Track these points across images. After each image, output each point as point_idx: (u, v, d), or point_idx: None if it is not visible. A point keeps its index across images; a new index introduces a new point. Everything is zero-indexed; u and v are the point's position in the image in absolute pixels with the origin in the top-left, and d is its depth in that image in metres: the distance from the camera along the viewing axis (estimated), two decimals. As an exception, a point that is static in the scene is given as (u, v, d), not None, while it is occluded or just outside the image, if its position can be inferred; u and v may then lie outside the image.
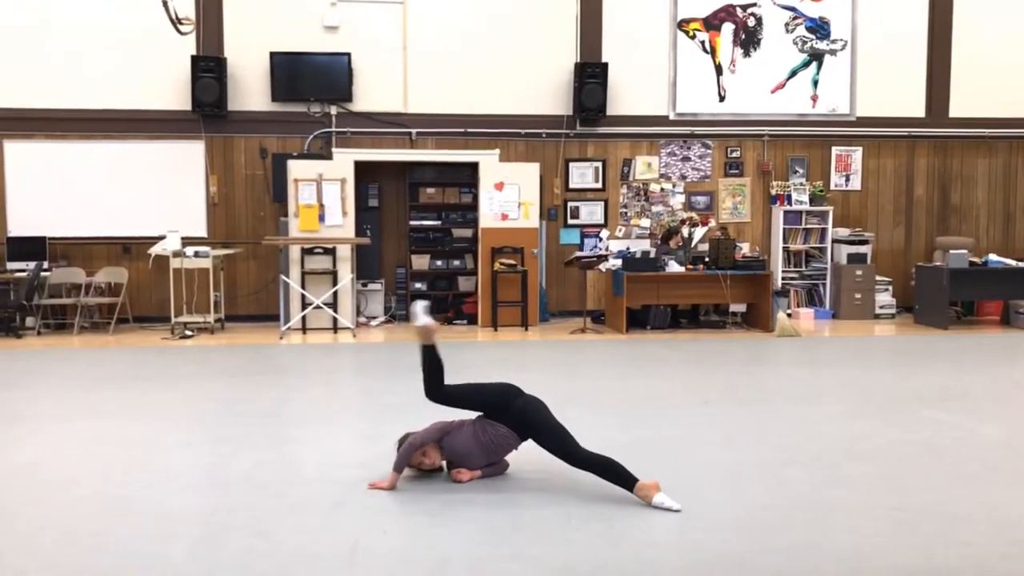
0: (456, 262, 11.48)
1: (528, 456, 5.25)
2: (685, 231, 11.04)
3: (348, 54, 11.20)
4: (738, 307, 11.01)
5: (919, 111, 12.13)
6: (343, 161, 10.64)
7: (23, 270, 10.42)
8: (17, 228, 10.90)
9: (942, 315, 10.78)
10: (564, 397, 6.99)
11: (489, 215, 10.87)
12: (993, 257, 11.03)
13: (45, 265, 10.56)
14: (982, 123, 12.16)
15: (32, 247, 10.68)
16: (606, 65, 11.38)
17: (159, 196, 11.11)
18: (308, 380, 7.85)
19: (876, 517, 4.16)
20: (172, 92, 11.08)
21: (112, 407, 6.60)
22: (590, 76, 11.32)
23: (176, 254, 10.26)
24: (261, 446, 5.46)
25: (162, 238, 10.43)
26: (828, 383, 7.60)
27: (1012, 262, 11.00)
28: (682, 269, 10.57)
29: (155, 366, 8.38)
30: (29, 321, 10.57)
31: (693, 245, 11.26)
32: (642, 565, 3.62)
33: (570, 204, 11.87)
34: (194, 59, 10.86)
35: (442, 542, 3.86)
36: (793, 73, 11.93)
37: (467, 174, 11.25)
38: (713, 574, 3.54)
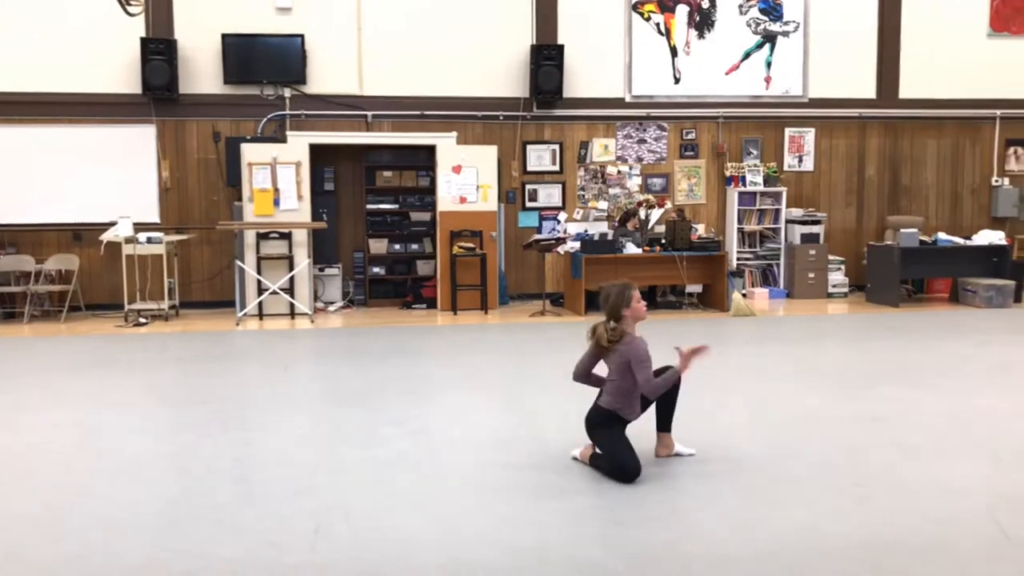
0: (414, 246, 11.43)
1: (495, 437, 5.28)
2: (642, 213, 11.10)
3: (301, 36, 11.05)
4: (694, 288, 11.13)
5: (870, 92, 12.30)
6: (298, 144, 10.52)
7: (-31, 258, 10.18)
8: (-38, 215, 10.64)
9: (893, 293, 11.00)
10: (524, 378, 7.04)
11: (447, 198, 10.83)
12: (942, 236, 11.26)
13: (-8, 253, 10.33)
14: (931, 104, 12.37)
15: (-22, 234, 10.44)
16: (562, 47, 11.37)
17: (110, 181, 10.89)
18: (266, 366, 7.78)
19: (833, 492, 4.25)
20: (121, 75, 10.85)
21: (68, 396, 6.50)
22: (546, 58, 11.30)
23: (128, 240, 10.09)
24: (221, 433, 5.41)
25: (113, 224, 10.24)
26: (782, 361, 7.72)
27: (960, 240, 11.24)
28: (639, 251, 10.64)
29: (110, 354, 8.25)
30: (-23, 310, 10.34)
31: (650, 227, 11.34)
32: (607, 543, 3.67)
33: (528, 187, 11.88)
34: (143, 41, 10.64)
35: (405, 525, 3.86)
36: (747, 55, 12.02)
37: (424, 157, 11.19)
38: (675, 551, 3.60)
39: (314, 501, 4.16)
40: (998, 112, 12.52)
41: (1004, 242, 11.26)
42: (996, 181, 12.64)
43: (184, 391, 6.70)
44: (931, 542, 3.64)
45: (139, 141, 10.98)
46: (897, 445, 5.02)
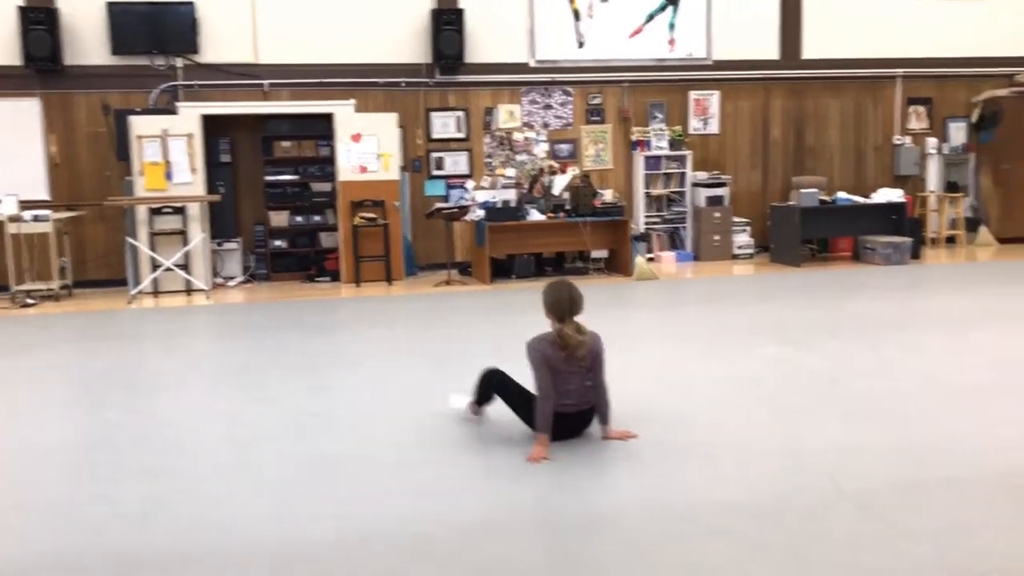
0: (317, 217, 11.21)
1: (365, 413, 5.19)
2: (545, 179, 11.03)
3: (192, 3, 10.68)
4: (600, 253, 11.11)
5: (773, 54, 12.35)
6: (189, 115, 10.20)
7: None
8: None
9: (795, 253, 11.11)
10: (412, 351, 6.93)
11: (347, 168, 10.62)
12: (842, 195, 11.40)
13: None
14: (834, 64, 12.46)
15: None
16: (462, 11, 11.17)
17: (-7, 158, 10.47)
18: (147, 344, 7.57)
19: (685, 455, 4.24)
20: (0, 46, 10.38)
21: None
22: (446, 23, 11.10)
23: (13, 219, 9.70)
24: (80, 416, 5.24)
25: (-3, 202, 9.84)
26: (673, 324, 7.75)
27: (860, 199, 11.39)
28: (543, 218, 10.59)
29: (-14, 338, 7.95)
30: None
31: (558, 194, 11.27)
32: (458, 511, 3.60)
33: (434, 155, 11.70)
34: (22, 10, 10.19)
35: (248, 504, 3.76)
36: (650, 17, 11.96)
37: (324, 126, 10.93)
38: (515, 519, 3.55)
39: (158, 484, 4.03)
40: (899, 71, 12.68)
41: (902, 200, 11.44)
42: (898, 140, 12.83)
43: (55, 373, 6.46)
44: (767, 501, 3.64)
45: (23, 115, 10.54)
46: (765, 405, 5.05)
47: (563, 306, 4.32)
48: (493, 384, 4.62)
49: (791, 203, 11.37)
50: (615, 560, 3.16)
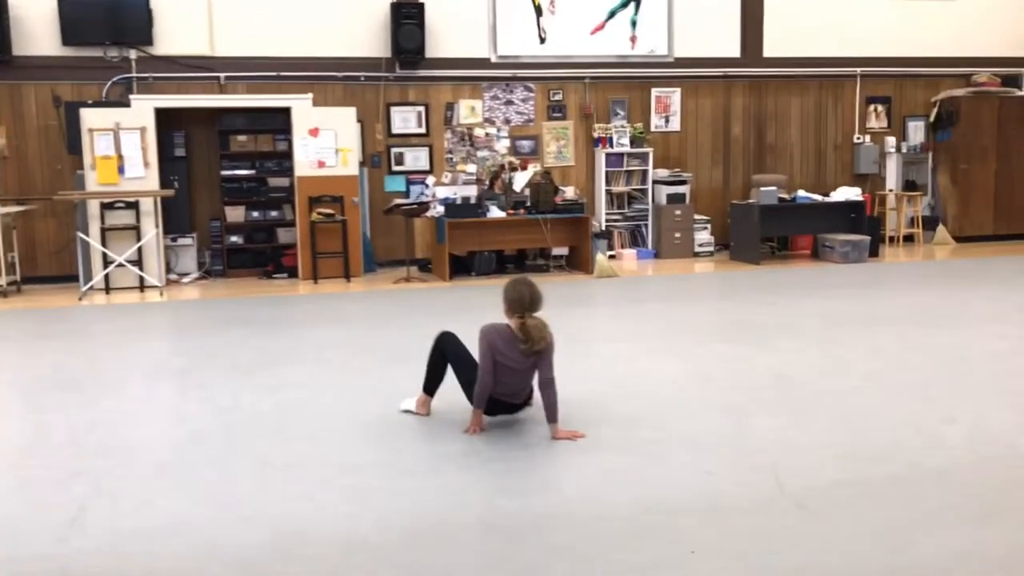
0: (274, 213, 11.05)
1: (304, 412, 5.09)
2: (506, 176, 10.97)
3: (145, -7, 10.51)
4: (561, 250, 11.07)
5: (735, 51, 12.36)
6: (142, 108, 10.00)
7: None
8: None
9: (755, 251, 11.14)
10: (358, 348, 6.83)
11: (305, 163, 10.48)
12: (801, 193, 11.45)
13: None
14: (794, 62, 12.51)
15: None
16: (422, 5, 11.06)
17: (-60, 150, 10.22)
18: (96, 342, 7.39)
19: (632, 454, 4.20)
20: (-53, 36, 10.14)
21: None
22: (406, 17, 10.99)
23: (-41, 213, 9.48)
24: (19, 414, 5.10)
25: (-57, 196, 9.61)
26: (632, 321, 7.72)
27: (819, 197, 11.44)
28: (504, 214, 10.52)
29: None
30: None
31: (520, 190, 11.21)
32: (400, 513, 3.53)
33: (394, 150, 11.59)
34: (-31, -1, 9.96)
35: (170, 507, 3.65)
36: (612, 14, 11.92)
37: (281, 120, 10.77)
38: (442, 520, 3.48)
39: (86, 486, 3.90)
40: (859, 70, 12.75)
41: (861, 198, 11.50)
42: (858, 138, 12.91)
43: (-5, 372, 6.30)
44: (709, 499, 3.60)
45: (-29, 107, 10.30)
46: (712, 402, 5.02)
47: (523, 303, 4.41)
48: (445, 345, 4.68)
49: (751, 201, 11.39)
50: (555, 561, 3.10)
